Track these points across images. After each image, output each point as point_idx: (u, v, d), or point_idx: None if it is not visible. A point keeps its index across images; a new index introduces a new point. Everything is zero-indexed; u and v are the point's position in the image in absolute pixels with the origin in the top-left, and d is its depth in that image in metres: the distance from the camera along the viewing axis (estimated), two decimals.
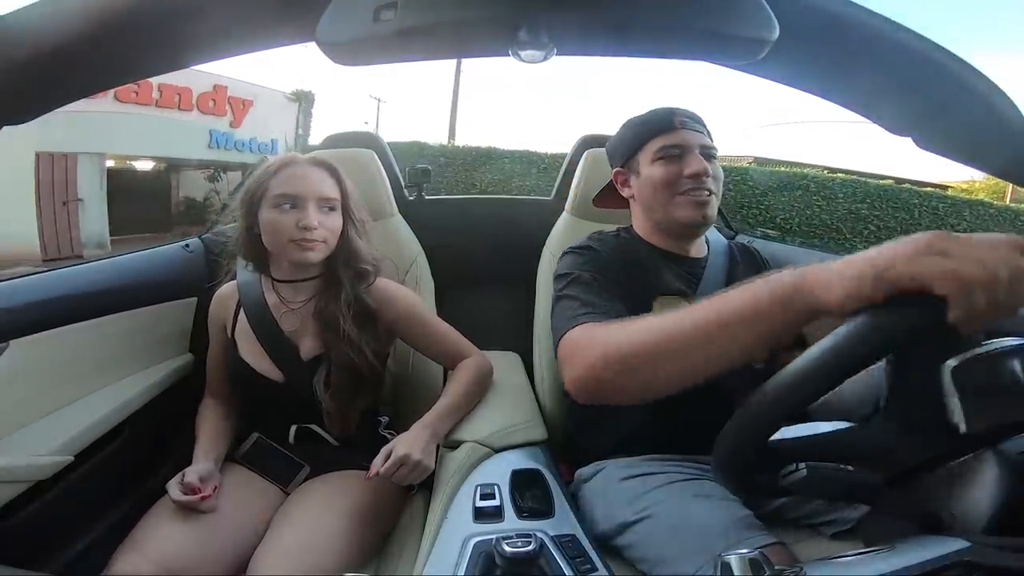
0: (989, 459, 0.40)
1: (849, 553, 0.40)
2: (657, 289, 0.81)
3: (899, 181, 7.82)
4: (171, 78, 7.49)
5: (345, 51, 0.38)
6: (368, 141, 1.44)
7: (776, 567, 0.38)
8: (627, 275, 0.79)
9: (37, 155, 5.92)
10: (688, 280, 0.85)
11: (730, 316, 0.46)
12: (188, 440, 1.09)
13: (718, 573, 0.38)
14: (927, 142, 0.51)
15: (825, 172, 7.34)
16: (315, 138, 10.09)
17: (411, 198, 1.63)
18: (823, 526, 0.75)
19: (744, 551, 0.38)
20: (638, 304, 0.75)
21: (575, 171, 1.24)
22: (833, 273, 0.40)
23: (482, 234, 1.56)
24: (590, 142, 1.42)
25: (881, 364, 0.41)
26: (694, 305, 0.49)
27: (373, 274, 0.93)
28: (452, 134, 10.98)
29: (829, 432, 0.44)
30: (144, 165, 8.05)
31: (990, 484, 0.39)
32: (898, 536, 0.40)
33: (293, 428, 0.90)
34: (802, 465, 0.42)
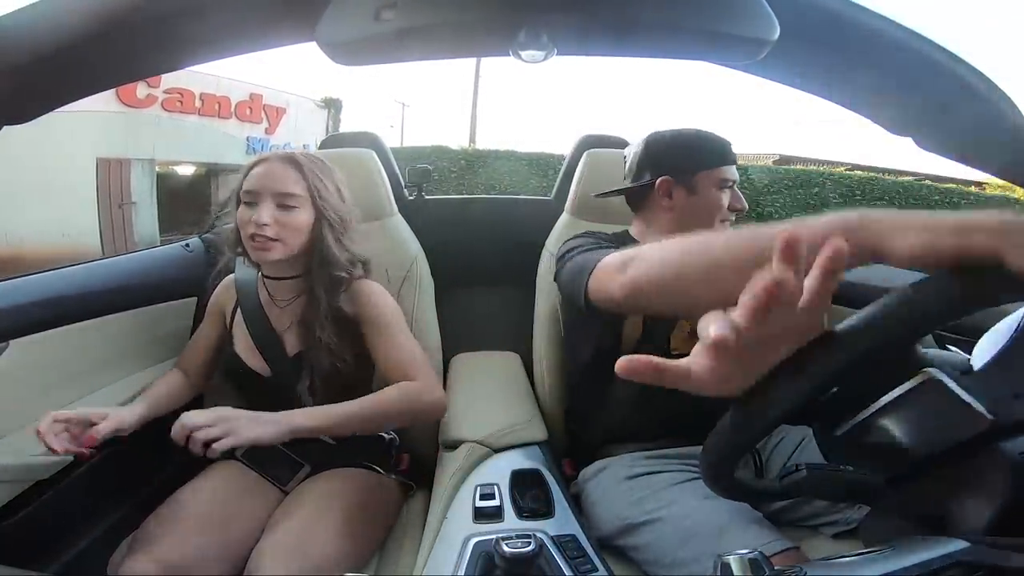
0: (989, 459, 0.40)
1: (849, 553, 0.40)
2: None
3: (919, 177, 7.74)
4: (211, 87, 8.33)
5: (345, 51, 0.38)
6: (368, 141, 1.44)
7: (776, 568, 0.38)
8: None
9: (98, 161, 6.31)
10: None
11: (740, 243, 0.45)
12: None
13: (718, 573, 0.38)
14: (927, 142, 0.51)
15: (843, 169, 7.33)
16: None
17: (411, 198, 1.63)
18: (824, 527, 0.75)
19: (744, 551, 0.38)
20: None
21: (575, 171, 1.24)
22: (909, 220, 0.38)
23: (482, 234, 1.56)
24: (590, 142, 1.42)
25: None
26: (743, 229, 0.47)
27: (347, 281, 0.89)
28: (473, 137, 11.13)
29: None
30: (186, 170, 8.54)
31: (990, 484, 0.39)
32: (898, 536, 0.40)
33: None
34: (802, 465, 0.42)
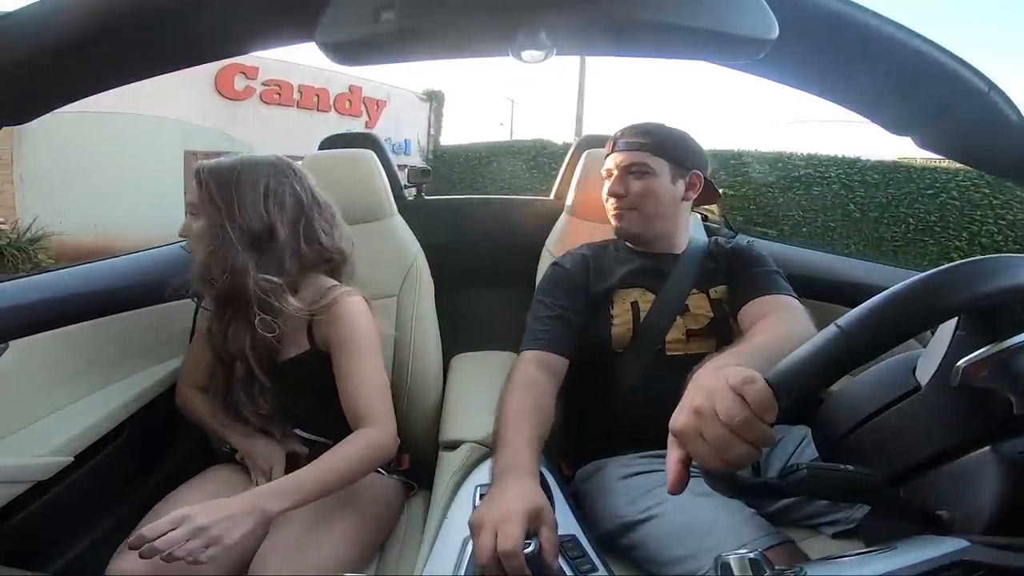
0: (989, 459, 0.40)
1: (850, 553, 0.40)
2: (615, 289, 0.92)
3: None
4: (309, 79, 8.18)
5: (345, 51, 0.38)
6: (368, 141, 1.44)
7: (776, 568, 0.38)
8: (585, 284, 0.93)
9: (185, 153, 6.14)
10: (657, 277, 0.92)
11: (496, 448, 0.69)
12: (188, 440, 1.09)
13: (718, 573, 0.38)
14: (927, 142, 0.51)
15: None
16: (446, 138, 10.55)
17: (411, 198, 1.63)
18: (824, 526, 0.75)
19: (743, 551, 0.38)
20: (596, 303, 0.91)
21: (575, 172, 1.24)
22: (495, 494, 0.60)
23: (482, 234, 1.56)
24: (590, 143, 1.43)
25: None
26: (510, 428, 0.71)
27: (255, 304, 0.80)
28: (579, 132, 10.90)
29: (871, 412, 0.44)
30: None
31: (990, 484, 0.39)
32: (898, 536, 0.40)
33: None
34: (803, 465, 0.42)
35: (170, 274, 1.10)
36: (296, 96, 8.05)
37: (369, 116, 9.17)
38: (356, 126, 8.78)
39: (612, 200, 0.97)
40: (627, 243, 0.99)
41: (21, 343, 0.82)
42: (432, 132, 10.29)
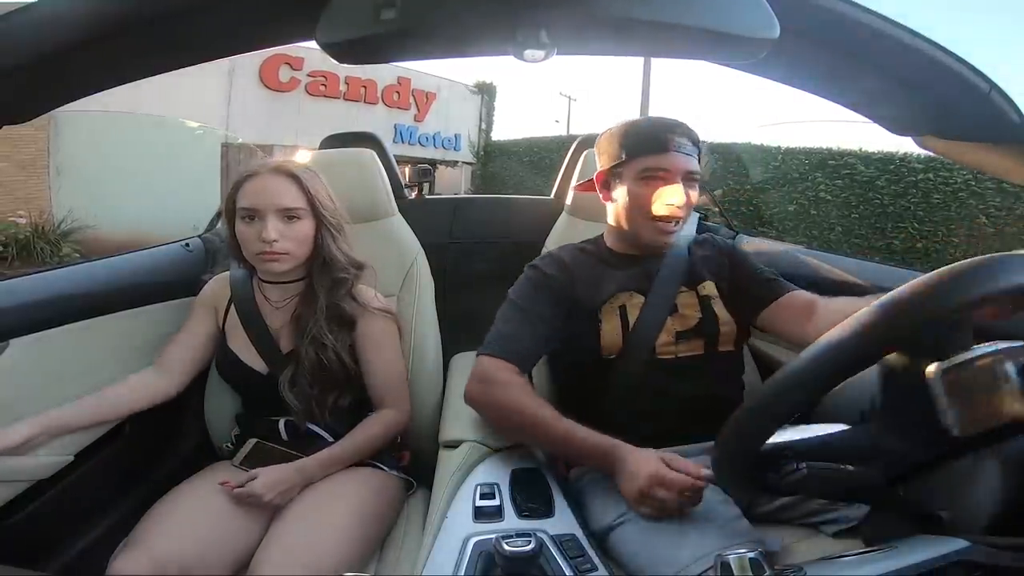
0: (989, 459, 0.40)
1: (850, 553, 0.40)
2: (603, 297, 0.86)
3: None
4: (357, 70, 7.84)
5: (345, 50, 0.38)
6: (368, 140, 1.44)
7: (776, 567, 0.38)
8: (570, 292, 0.87)
9: (222, 146, 5.99)
10: (643, 278, 0.88)
11: (569, 443, 0.73)
12: (188, 440, 1.09)
13: (718, 573, 0.38)
14: (928, 142, 0.51)
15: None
16: (498, 133, 10.23)
17: (411, 198, 1.63)
18: (824, 525, 0.75)
19: (743, 551, 0.38)
20: (582, 312, 0.85)
21: (574, 171, 1.24)
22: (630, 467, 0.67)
23: (482, 234, 1.56)
24: (589, 142, 1.42)
25: (874, 368, 0.42)
26: (557, 419, 0.73)
27: (350, 280, 0.93)
28: None
29: (822, 436, 0.44)
30: None
31: (990, 484, 0.39)
32: (898, 536, 0.40)
33: (282, 422, 0.91)
34: (803, 465, 0.42)
35: (170, 273, 1.10)
36: (343, 88, 7.86)
37: (418, 109, 8.88)
38: (405, 119, 8.63)
39: (669, 209, 0.82)
40: (609, 247, 0.93)
41: (21, 342, 0.82)
42: (483, 127, 10.02)
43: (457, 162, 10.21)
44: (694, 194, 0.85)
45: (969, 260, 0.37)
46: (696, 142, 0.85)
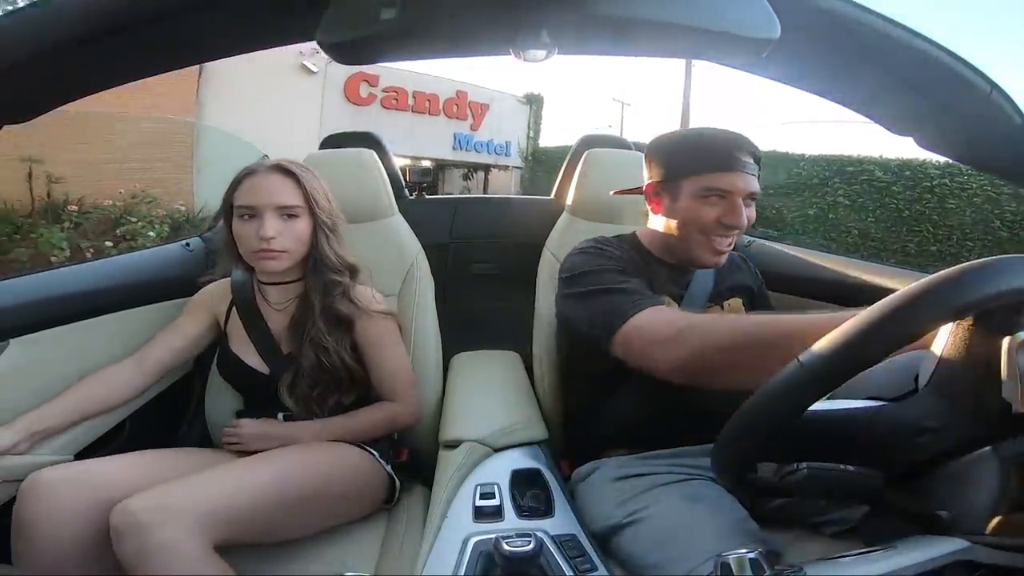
0: (989, 459, 0.40)
1: (849, 553, 0.40)
2: (656, 293, 0.83)
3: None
4: (423, 85, 9.09)
5: (346, 51, 0.38)
6: (368, 140, 1.44)
7: (776, 568, 0.38)
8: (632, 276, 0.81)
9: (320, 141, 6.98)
10: (678, 283, 0.88)
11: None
12: (188, 439, 1.09)
13: (718, 573, 0.38)
14: (927, 142, 0.51)
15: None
16: (545, 139, 11.22)
17: (411, 198, 1.63)
18: (823, 525, 0.75)
19: (743, 551, 0.38)
20: None
21: (575, 171, 1.24)
22: None
23: (482, 234, 1.56)
24: (590, 142, 1.42)
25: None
26: (780, 317, 0.55)
27: (344, 283, 0.92)
28: None
29: (863, 408, 0.42)
30: (400, 163, 9.75)
31: (990, 484, 0.39)
32: (898, 536, 0.40)
33: (280, 416, 0.92)
34: (803, 465, 0.42)
35: (171, 273, 1.10)
36: (411, 101, 8.87)
37: (474, 119, 9.84)
38: (463, 128, 9.62)
39: (729, 231, 0.81)
40: (648, 249, 0.91)
41: (21, 342, 0.82)
42: (531, 134, 10.94)
43: (508, 167, 11.20)
44: (751, 213, 0.82)
45: None
46: (758, 159, 0.82)
